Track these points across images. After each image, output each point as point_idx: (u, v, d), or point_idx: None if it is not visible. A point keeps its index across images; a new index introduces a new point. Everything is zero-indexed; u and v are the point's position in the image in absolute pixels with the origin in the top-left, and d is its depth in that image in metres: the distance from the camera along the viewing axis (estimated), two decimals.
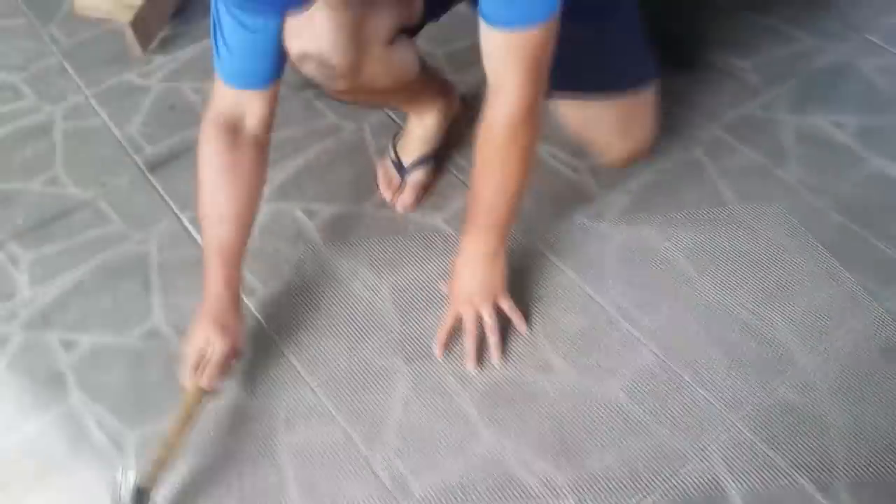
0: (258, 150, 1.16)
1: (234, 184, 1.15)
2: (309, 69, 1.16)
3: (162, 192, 1.53)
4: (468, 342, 1.25)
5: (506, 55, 1.07)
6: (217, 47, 1.10)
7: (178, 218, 1.49)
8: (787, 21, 1.76)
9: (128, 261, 1.43)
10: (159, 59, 1.80)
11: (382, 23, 1.19)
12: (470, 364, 1.25)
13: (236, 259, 1.17)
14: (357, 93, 1.30)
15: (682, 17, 1.73)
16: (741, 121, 1.58)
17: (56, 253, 1.45)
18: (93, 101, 1.71)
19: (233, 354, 1.16)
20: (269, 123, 1.17)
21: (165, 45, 1.83)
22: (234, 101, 1.13)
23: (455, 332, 1.28)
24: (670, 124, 1.52)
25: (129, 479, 1.05)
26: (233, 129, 1.14)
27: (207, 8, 1.69)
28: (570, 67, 1.28)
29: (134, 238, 1.46)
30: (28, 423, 1.23)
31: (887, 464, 1.12)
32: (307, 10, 1.08)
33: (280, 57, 1.12)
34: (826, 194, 1.44)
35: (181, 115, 1.67)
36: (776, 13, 1.78)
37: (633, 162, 1.48)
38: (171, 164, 1.58)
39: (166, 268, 1.42)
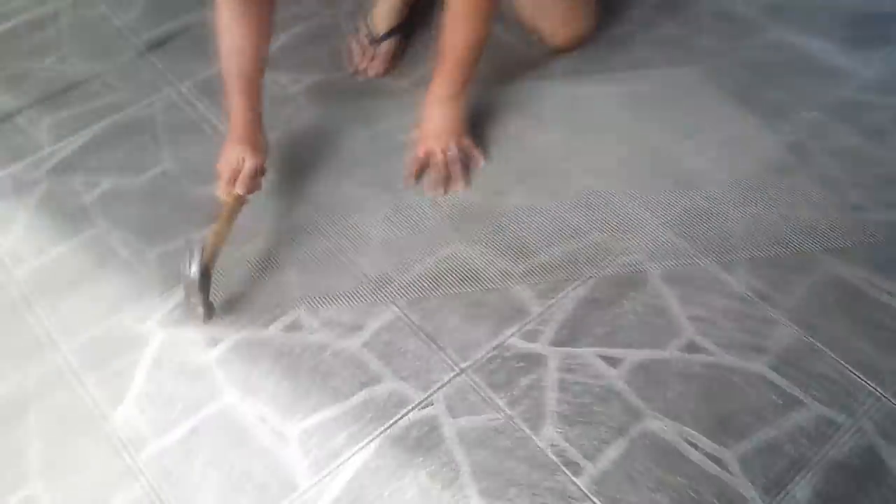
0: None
1: (249, 20, 1.31)
2: None
3: (162, 66, 1.71)
4: (434, 172, 1.46)
5: None
6: None
7: (178, 87, 1.66)
8: None
9: (136, 121, 1.61)
10: None
11: None
12: (434, 192, 1.46)
13: (257, 87, 1.34)
14: None
15: None
16: (663, 2, 1.80)
17: (72, 116, 1.62)
18: None
19: (262, 169, 1.34)
20: None
21: None
22: None
23: (425, 165, 1.48)
24: (605, 6, 1.73)
25: (195, 255, 1.22)
26: None
27: None
28: None
29: (140, 103, 1.64)
30: (60, 245, 1.41)
31: (775, 247, 1.36)
32: None
33: None
34: (732, 56, 1.67)
35: (175, 4, 1.84)
36: None
37: (575, 48, 1.69)
38: (168, 44, 1.75)
39: (171, 126, 1.59)
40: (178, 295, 1.33)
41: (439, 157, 1.45)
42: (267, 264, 1.37)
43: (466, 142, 1.48)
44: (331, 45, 1.73)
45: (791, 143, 1.51)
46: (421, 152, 1.47)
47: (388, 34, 1.66)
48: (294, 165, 1.51)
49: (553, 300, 1.31)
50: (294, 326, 1.30)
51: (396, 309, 1.31)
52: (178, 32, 1.77)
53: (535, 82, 1.64)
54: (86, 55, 1.73)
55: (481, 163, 1.49)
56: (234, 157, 1.31)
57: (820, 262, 1.34)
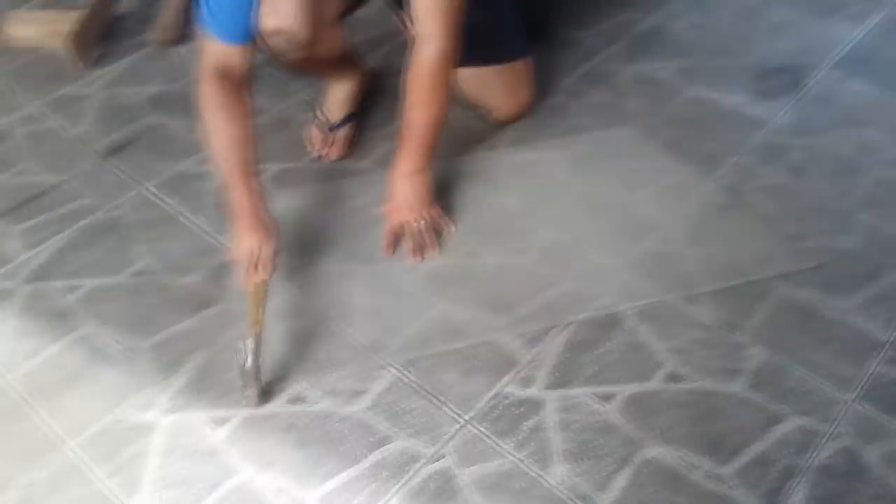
0: (248, 90, 1.40)
1: (239, 114, 1.37)
2: (277, 41, 1.41)
3: (124, 170, 1.72)
4: (407, 243, 1.52)
5: (433, 12, 1.38)
6: (209, 15, 1.33)
7: (144, 187, 1.68)
8: (606, 2, 2.15)
9: (106, 223, 1.61)
10: (96, 73, 1.98)
11: (334, 8, 1.49)
12: (412, 260, 1.51)
13: (255, 175, 1.38)
14: (305, 62, 1.55)
15: (536, 3, 2.08)
16: (589, 73, 1.94)
17: (41, 225, 1.61)
18: (45, 110, 1.88)
19: (277, 251, 1.37)
20: (250, 73, 1.40)
21: (98, 62, 2.02)
22: (223, 55, 1.36)
23: (399, 236, 1.54)
24: (537, 81, 1.85)
25: (248, 347, 1.26)
26: (227, 75, 1.36)
27: (130, 31, 1.94)
28: (468, 44, 1.62)
29: (107, 206, 1.64)
30: (50, 347, 1.39)
31: (731, 279, 1.46)
32: None
33: (251, 25, 1.37)
34: (659, 116, 1.81)
35: (126, 113, 1.87)
36: None
37: (518, 119, 1.80)
38: (127, 149, 1.77)
39: (142, 224, 1.61)
40: (179, 382, 1.34)
41: (412, 226, 1.52)
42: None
43: (435, 211, 1.55)
44: (289, 135, 1.79)
45: (726, 186, 1.64)
46: (394, 224, 1.53)
47: (344, 121, 1.73)
48: None
49: (539, 347, 1.37)
50: (297, 399, 1.31)
51: (394, 371, 1.35)
52: (133, 137, 1.80)
53: (487, 153, 1.74)
54: (46, 166, 1.74)
55: (451, 229, 1.55)
56: (251, 243, 1.34)
57: (773, 288, 1.45)
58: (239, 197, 1.36)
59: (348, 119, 1.74)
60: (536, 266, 1.50)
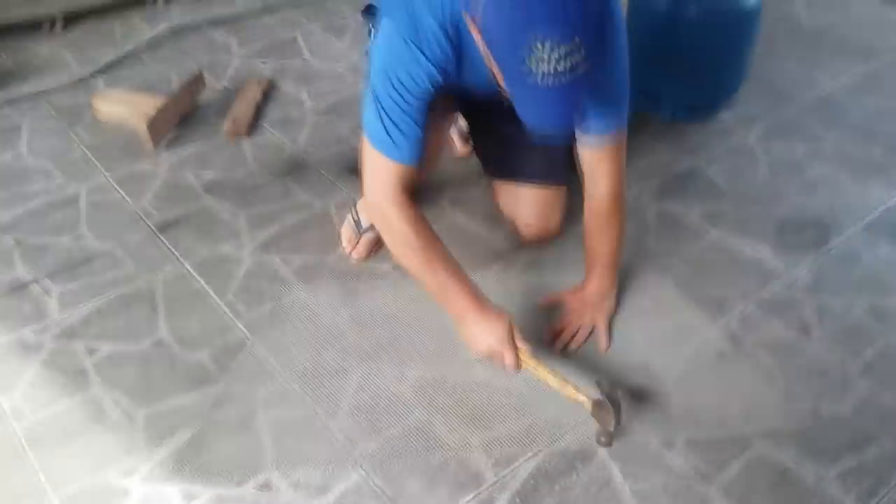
0: None
1: (429, 225, 1.47)
2: None
3: (169, 245, 1.84)
4: (574, 343, 1.61)
5: (605, 151, 1.49)
6: (397, 139, 1.40)
7: (182, 263, 1.79)
8: (652, 138, 2.19)
9: (139, 293, 1.72)
10: (165, 154, 2.14)
11: (446, 135, 1.59)
12: (555, 345, 1.60)
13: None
14: None
15: None
16: None
17: (80, 288, 1.73)
18: (112, 182, 2.04)
19: None
20: None
21: (171, 144, 2.18)
22: (406, 173, 1.43)
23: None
24: (569, 207, 1.88)
25: (604, 390, 1.40)
26: (407, 192, 1.45)
27: (207, 119, 2.09)
28: (511, 161, 1.68)
29: (144, 278, 1.75)
30: (58, 403, 1.48)
31: (712, 429, 1.44)
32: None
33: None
34: (676, 255, 1.82)
35: (184, 193, 2.00)
36: (644, 132, 2.21)
37: (543, 241, 1.84)
38: (176, 226, 1.89)
39: (170, 298, 1.70)
40: (163, 452, 1.40)
41: (583, 331, 1.62)
42: (244, 426, 1.44)
43: (602, 322, 1.63)
44: (321, 232, 1.88)
45: (728, 334, 1.62)
46: (566, 324, 1.62)
47: (372, 226, 1.80)
48: (279, 336, 1.61)
49: (507, 470, 1.38)
50: (265, 486, 1.35)
51: (362, 472, 1.37)
52: (184, 217, 1.92)
53: (500, 272, 1.77)
54: (100, 234, 1.87)
55: (603, 347, 1.61)
56: (503, 329, 1.41)
57: (752, 445, 1.42)
58: (466, 298, 1.44)
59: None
60: (522, 387, 1.51)
